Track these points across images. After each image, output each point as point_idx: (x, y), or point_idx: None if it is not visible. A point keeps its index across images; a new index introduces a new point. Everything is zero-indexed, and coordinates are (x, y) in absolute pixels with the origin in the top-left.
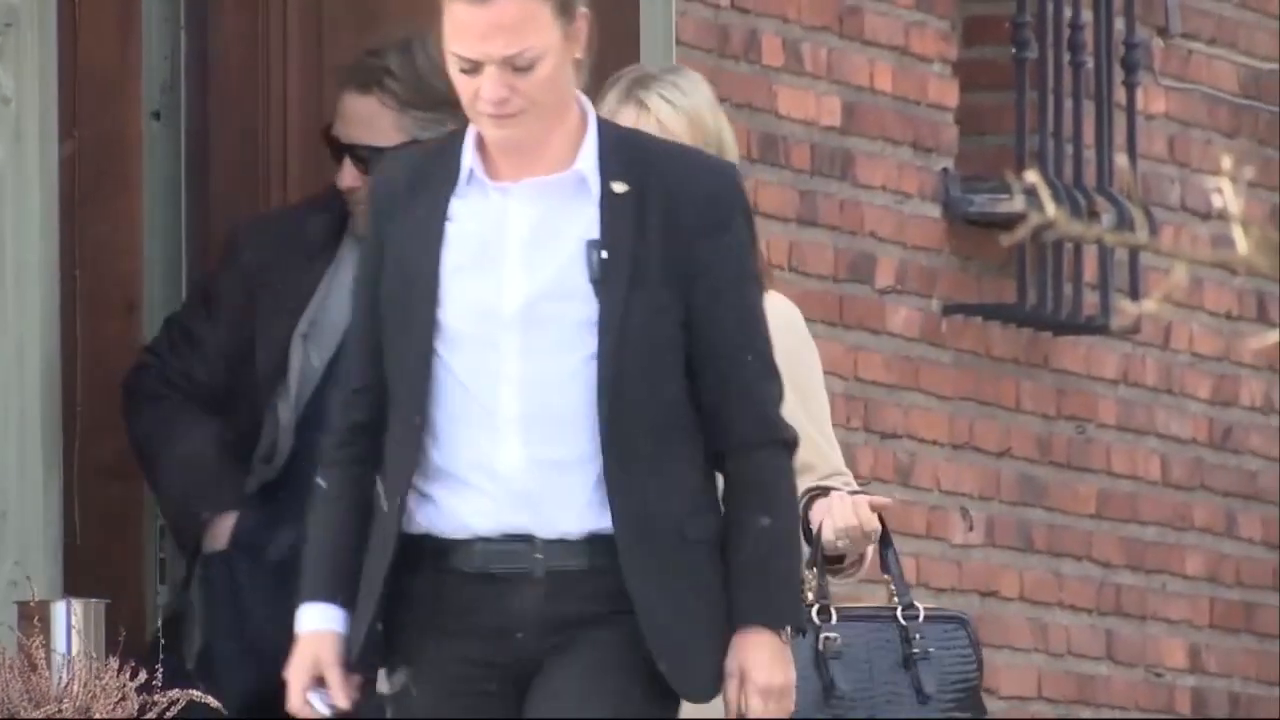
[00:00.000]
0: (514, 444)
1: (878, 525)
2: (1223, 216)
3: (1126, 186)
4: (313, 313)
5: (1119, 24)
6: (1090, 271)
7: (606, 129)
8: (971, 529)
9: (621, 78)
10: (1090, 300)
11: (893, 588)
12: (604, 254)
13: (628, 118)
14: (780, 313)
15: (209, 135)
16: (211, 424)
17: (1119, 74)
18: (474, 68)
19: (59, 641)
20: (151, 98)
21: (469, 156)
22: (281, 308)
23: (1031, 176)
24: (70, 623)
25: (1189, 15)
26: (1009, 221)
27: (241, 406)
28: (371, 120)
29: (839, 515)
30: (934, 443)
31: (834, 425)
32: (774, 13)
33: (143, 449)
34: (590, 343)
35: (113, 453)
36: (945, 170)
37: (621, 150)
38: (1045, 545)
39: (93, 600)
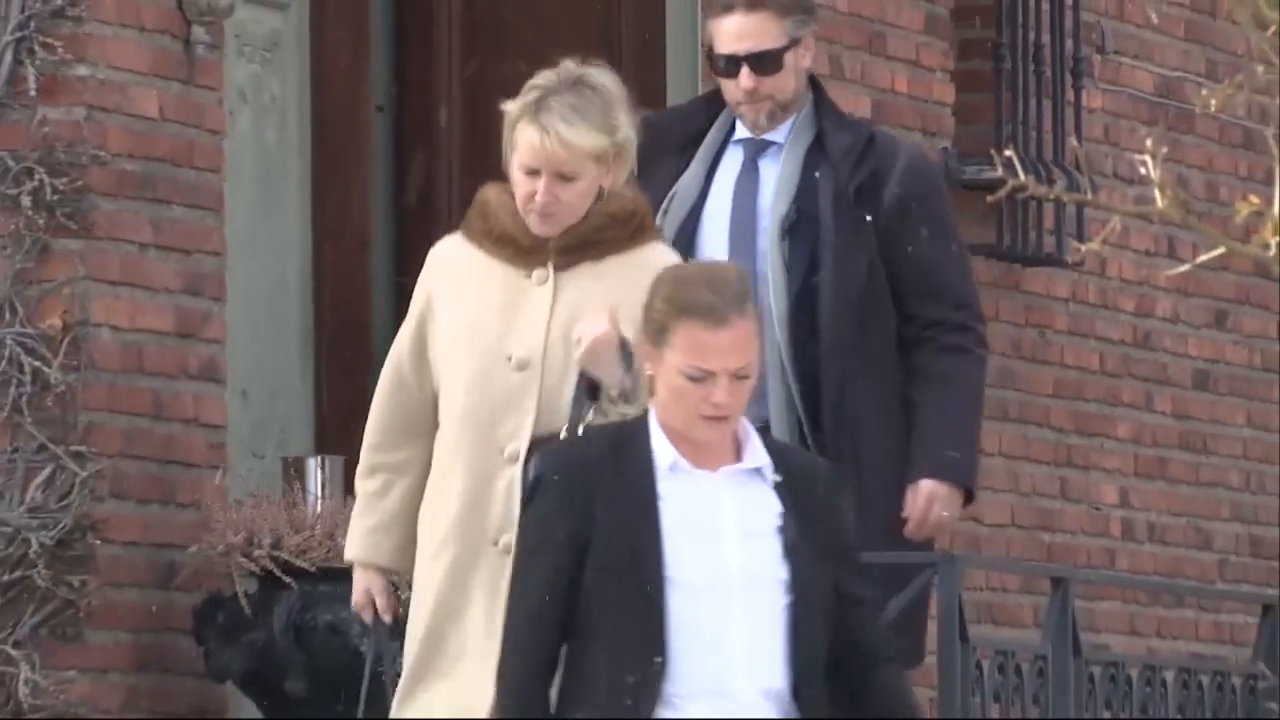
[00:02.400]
0: (744, 680)
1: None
2: (1145, 182)
3: (1075, 160)
4: (672, 191)
5: (1069, 44)
6: (1049, 221)
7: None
8: None
9: (531, 89)
10: (1049, 242)
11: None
12: (791, 529)
13: (529, 136)
14: (666, 256)
15: (412, 123)
16: None
17: (1069, 80)
18: (706, 376)
19: (311, 486)
20: (376, 95)
21: (666, 449)
22: (657, 187)
23: (1008, 153)
24: (319, 473)
25: (1119, 37)
26: (992, 185)
27: None
28: (763, 31)
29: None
30: None
31: None
32: (823, 36)
33: None
34: (783, 600)
35: (349, 352)
36: (945, 149)
37: (771, 449)
38: (1017, 416)
39: (335, 456)
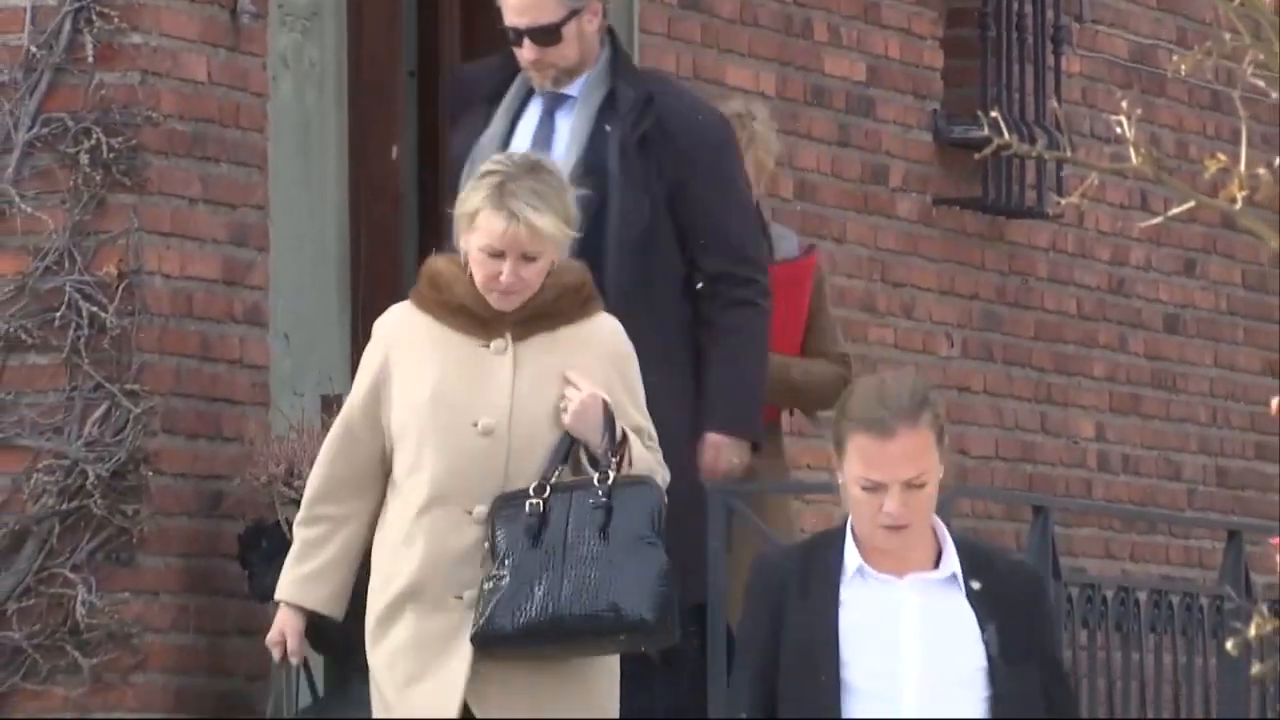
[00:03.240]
0: None
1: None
2: (1120, 140)
3: (1055, 120)
4: (479, 142)
5: (1050, 13)
6: (1031, 177)
7: (956, 535)
8: (952, 346)
9: (489, 175)
10: (1031, 196)
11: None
12: (991, 633)
13: (495, 222)
14: (614, 338)
15: (438, 84)
16: None
17: (1050, 46)
18: (876, 486)
19: None
20: (408, 61)
21: (853, 555)
22: (460, 140)
23: (993, 114)
24: None
25: (1096, 7)
26: (978, 144)
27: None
28: (540, 6)
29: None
30: (927, 289)
31: (860, 279)
32: (823, 6)
33: None
34: (978, 703)
35: (383, 298)
36: (935, 110)
37: (970, 553)
38: (1001, 357)
39: None
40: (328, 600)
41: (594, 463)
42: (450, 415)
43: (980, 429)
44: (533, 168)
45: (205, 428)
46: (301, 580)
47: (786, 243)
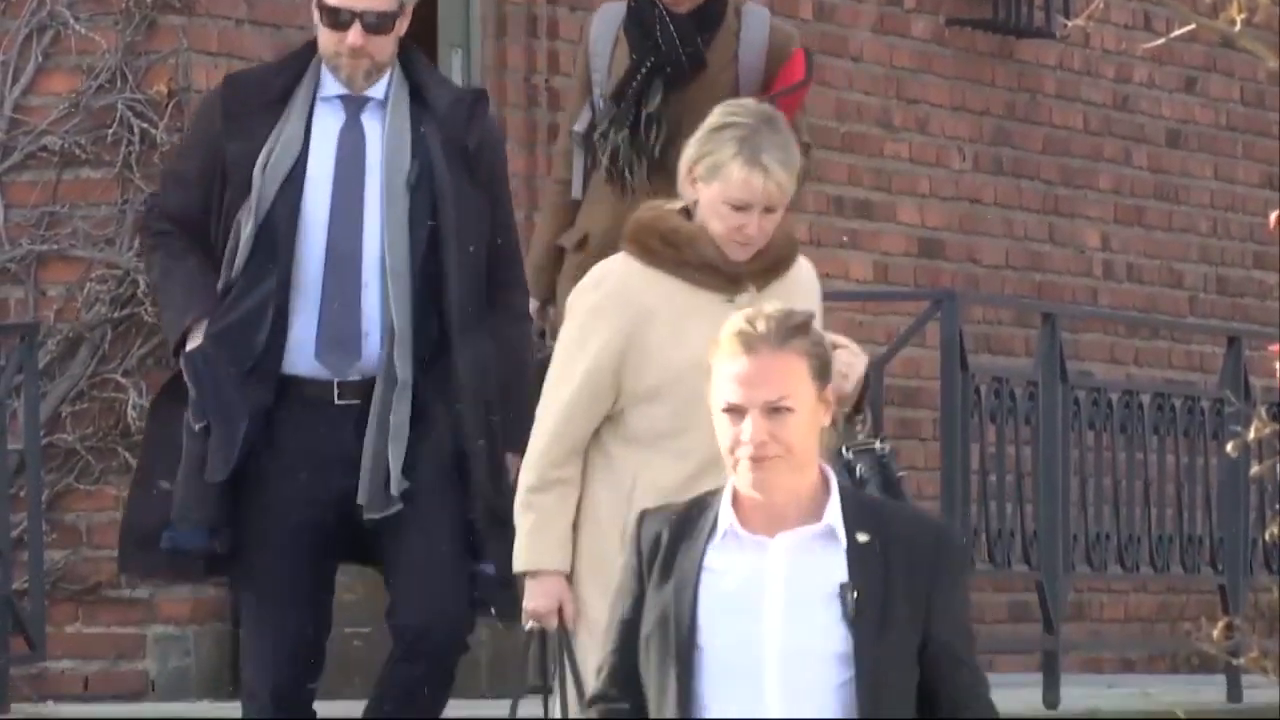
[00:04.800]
0: None
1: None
2: None
3: None
4: (269, 148)
5: None
6: None
7: (845, 489)
8: (964, 160)
9: (729, 126)
10: (1039, 16)
11: (865, 425)
12: (855, 594)
13: (745, 175)
14: (810, 271)
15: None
16: (194, 251)
17: None
18: (737, 411)
19: None
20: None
21: (727, 514)
22: (245, 147)
23: None
24: None
25: None
26: None
27: (214, 223)
28: None
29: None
30: (940, 106)
31: (876, 96)
32: None
33: (150, 274)
34: (844, 673)
35: None
36: None
37: (858, 508)
38: (1011, 169)
39: None
40: (569, 563)
41: (848, 419)
42: None
43: (991, 239)
44: (769, 120)
45: None
46: (558, 545)
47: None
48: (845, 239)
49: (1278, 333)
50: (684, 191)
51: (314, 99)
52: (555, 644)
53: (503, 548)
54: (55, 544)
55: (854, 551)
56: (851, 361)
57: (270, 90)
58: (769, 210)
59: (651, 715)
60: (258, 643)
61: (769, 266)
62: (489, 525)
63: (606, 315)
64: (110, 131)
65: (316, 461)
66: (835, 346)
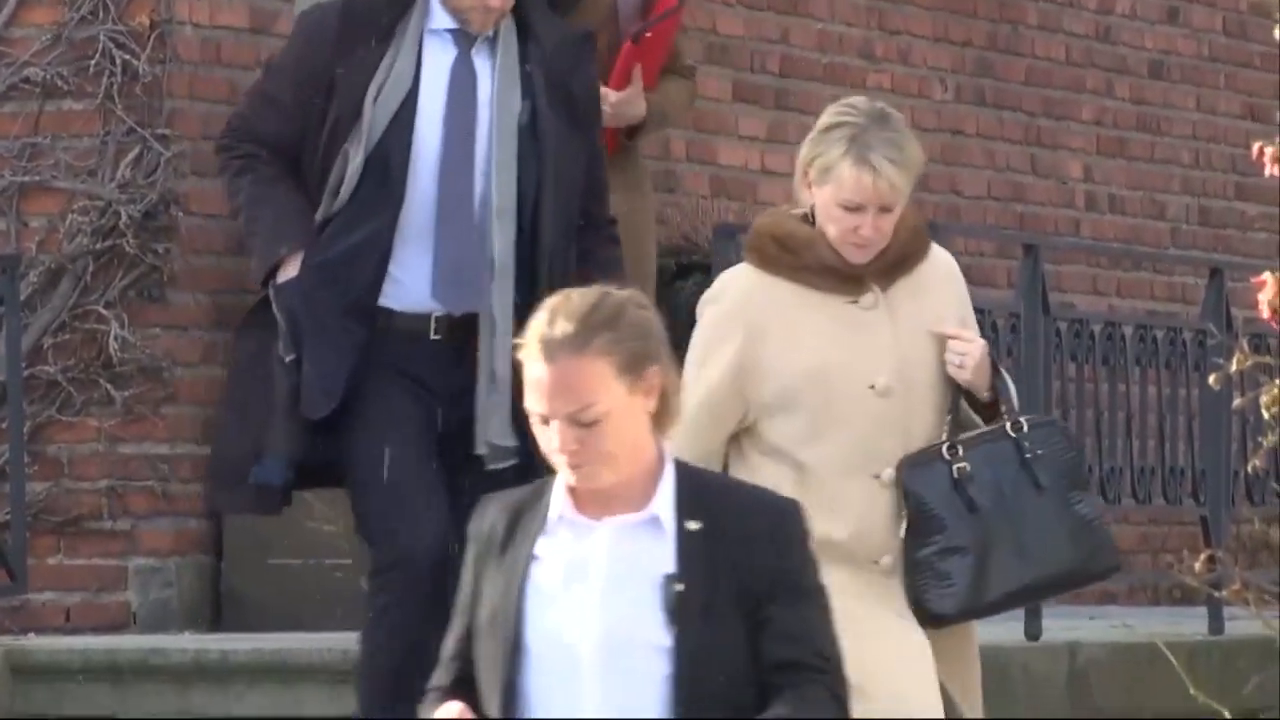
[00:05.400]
0: None
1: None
2: None
3: None
4: (380, 79)
5: None
6: None
7: (682, 471)
8: (946, 91)
9: (839, 126)
10: None
11: (1004, 409)
12: (679, 587)
13: (857, 175)
14: (948, 261)
15: None
16: (286, 177)
17: None
18: (545, 420)
19: None
20: None
21: (559, 498)
22: (355, 79)
23: None
24: None
25: None
26: None
27: (309, 151)
28: None
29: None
30: (922, 36)
31: (858, 27)
32: None
33: (235, 199)
34: (665, 669)
35: None
36: None
37: (694, 490)
38: (993, 101)
39: None
40: None
41: (981, 410)
42: (843, 380)
43: (973, 170)
44: (881, 117)
45: None
46: None
47: None
48: None
49: (1260, 264)
50: (800, 196)
51: (422, 31)
52: None
53: None
54: (37, 476)
55: (683, 540)
56: (966, 350)
57: (381, 20)
58: (884, 210)
59: (483, 710)
60: (403, 520)
61: (892, 265)
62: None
63: (724, 331)
64: (92, 63)
65: (419, 390)
66: (947, 336)
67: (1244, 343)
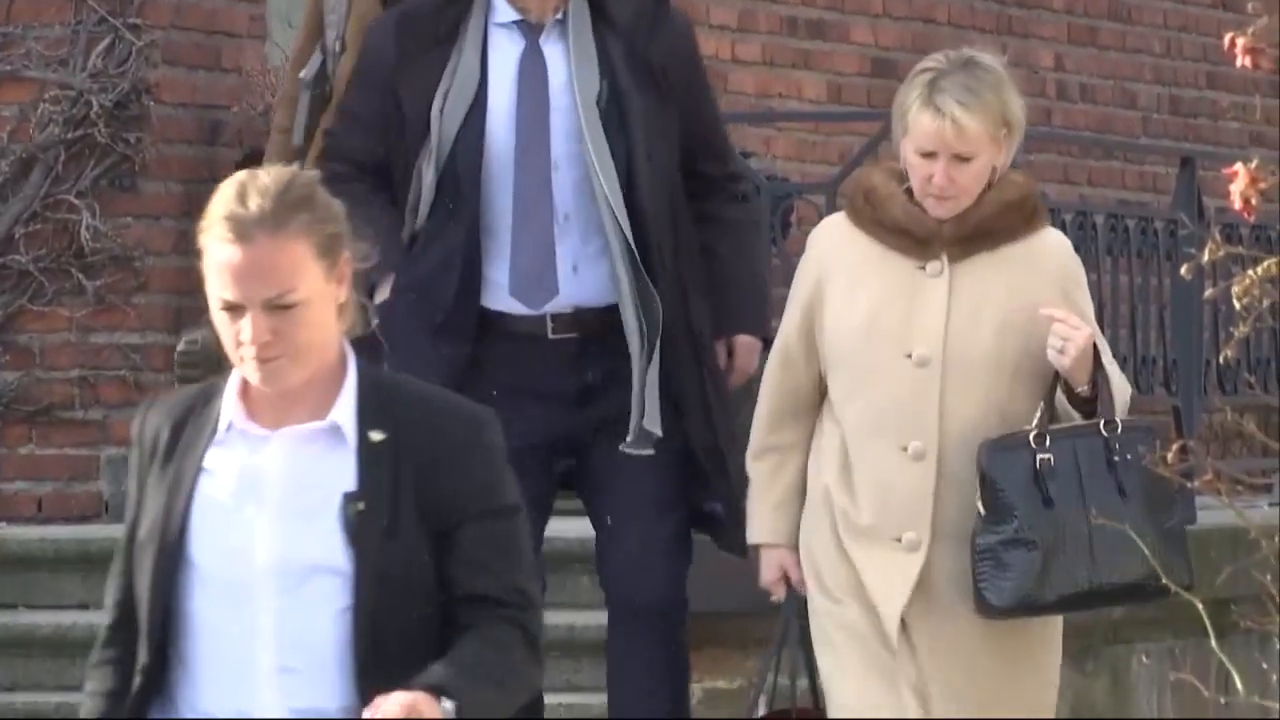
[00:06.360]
0: (271, 698)
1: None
2: None
3: None
4: (445, 87)
5: None
6: None
7: (365, 375)
8: None
9: (921, 72)
10: None
11: (1101, 405)
12: (361, 505)
13: (925, 119)
14: (1059, 247)
15: None
16: (375, 195)
17: None
18: (235, 309)
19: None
20: None
21: (230, 405)
22: (420, 86)
23: None
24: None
25: None
26: None
27: (396, 167)
28: None
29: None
30: None
31: None
32: None
33: None
34: (346, 595)
35: None
36: None
37: (380, 398)
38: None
39: None
40: (790, 531)
41: (1079, 402)
42: (883, 344)
43: None
44: (966, 63)
45: (205, 59)
46: (771, 513)
47: None
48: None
49: (1231, 154)
50: (897, 148)
51: (486, 26)
52: (781, 621)
53: (726, 482)
54: (8, 365)
55: (365, 452)
56: (1069, 335)
57: (441, 23)
58: (960, 159)
59: (143, 640)
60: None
61: (970, 235)
62: (709, 460)
63: (803, 275)
64: None
65: (531, 399)
66: (1051, 319)
67: (1216, 233)
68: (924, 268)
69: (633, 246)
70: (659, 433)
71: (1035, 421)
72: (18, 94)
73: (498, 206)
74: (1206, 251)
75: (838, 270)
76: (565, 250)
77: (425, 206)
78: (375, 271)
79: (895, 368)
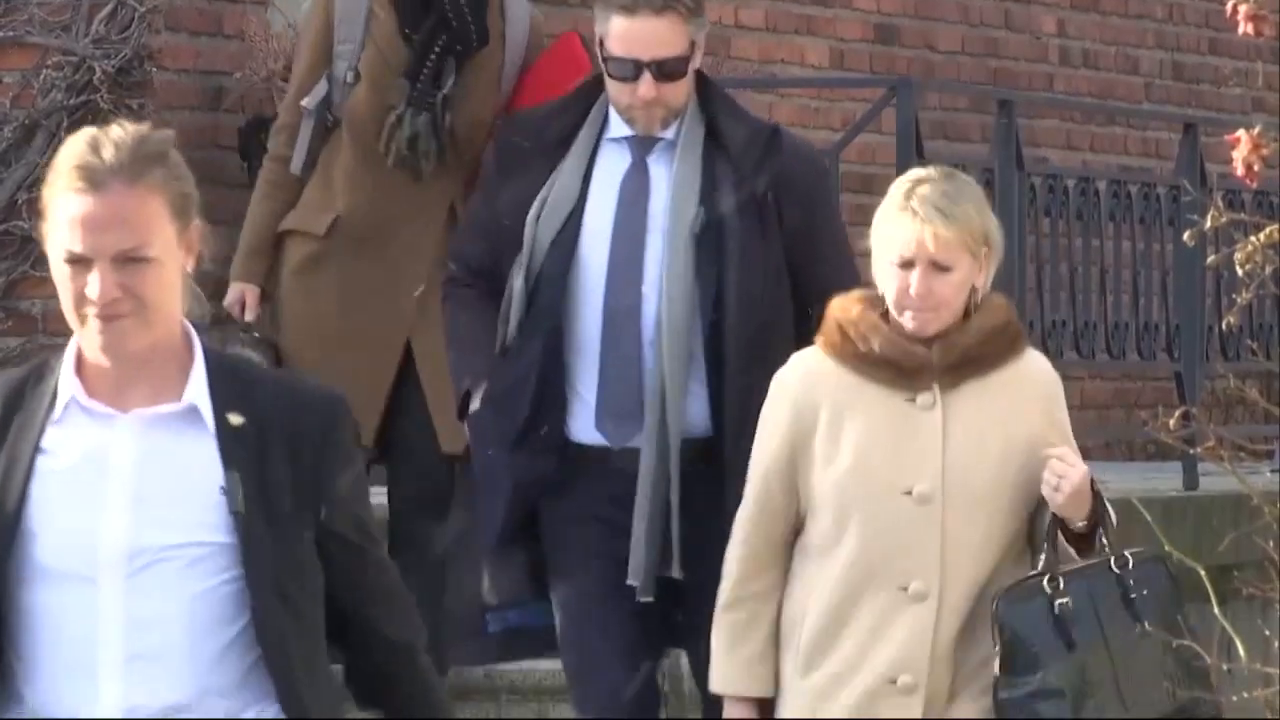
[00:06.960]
0: (115, 690)
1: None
2: None
3: None
4: (544, 196)
5: None
6: None
7: (213, 357)
8: None
9: (901, 182)
10: None
11: (1104, 542)
12: (222, 490)
13: (903, 225)
14: (1044, 374)
15: None
16: (482, 302)
17: None
18: (81, 262)
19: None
20: None
21: (68, 382)
22: (523, 192)
23: None
24: None
25: None
26: None
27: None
28: (671, 37)
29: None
30: None
31: None
32: None
33: (445, 331)
34: (215, 579)
35: None
36: None
37: (232, 381)
38: None
39: None
40: (767, 682)
41: (1072, 538)
42: (879, 482)
43: (947, 25)
44: (945, 175)
45: (207, 25)
46: (745, 666)
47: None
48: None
49: (1233, 120)
50: (875, 273)
51: (598, 140)
52: None
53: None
54: (11, 331)
55: (225, 436)
56: (1064, 472)
57: (550, 131)
58: (937, 268)
59: None
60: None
61: (958, 363)
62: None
63: (774, 416)
64: None
65: (603, 529)
66: (1049, 456)
67: (1218, 199)
68: (914, 400)
69: (667, 385)
70: (675, 574)
71: (1042, 564)
72: (20, 60)
73: (587, 327)
74: (1209, 218)
75: (819, 408)
76: (648, 381)
77: (515, 319)
78: (470, 380)
79: (892, 506)
